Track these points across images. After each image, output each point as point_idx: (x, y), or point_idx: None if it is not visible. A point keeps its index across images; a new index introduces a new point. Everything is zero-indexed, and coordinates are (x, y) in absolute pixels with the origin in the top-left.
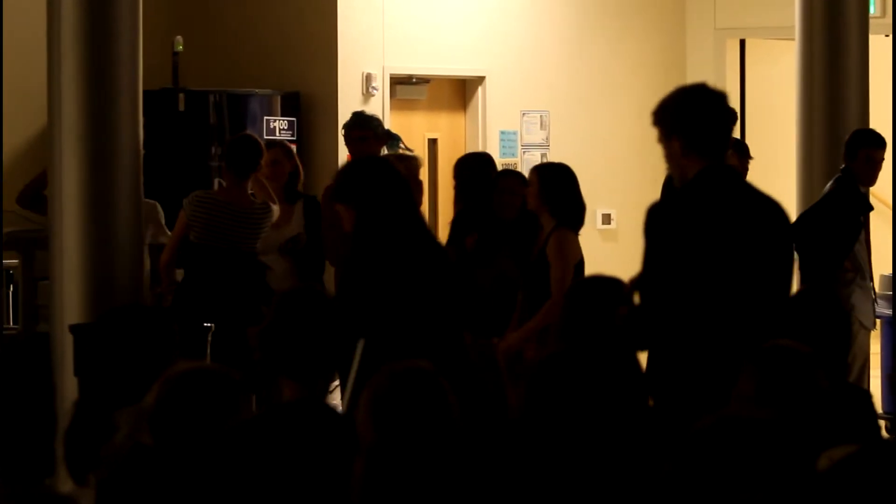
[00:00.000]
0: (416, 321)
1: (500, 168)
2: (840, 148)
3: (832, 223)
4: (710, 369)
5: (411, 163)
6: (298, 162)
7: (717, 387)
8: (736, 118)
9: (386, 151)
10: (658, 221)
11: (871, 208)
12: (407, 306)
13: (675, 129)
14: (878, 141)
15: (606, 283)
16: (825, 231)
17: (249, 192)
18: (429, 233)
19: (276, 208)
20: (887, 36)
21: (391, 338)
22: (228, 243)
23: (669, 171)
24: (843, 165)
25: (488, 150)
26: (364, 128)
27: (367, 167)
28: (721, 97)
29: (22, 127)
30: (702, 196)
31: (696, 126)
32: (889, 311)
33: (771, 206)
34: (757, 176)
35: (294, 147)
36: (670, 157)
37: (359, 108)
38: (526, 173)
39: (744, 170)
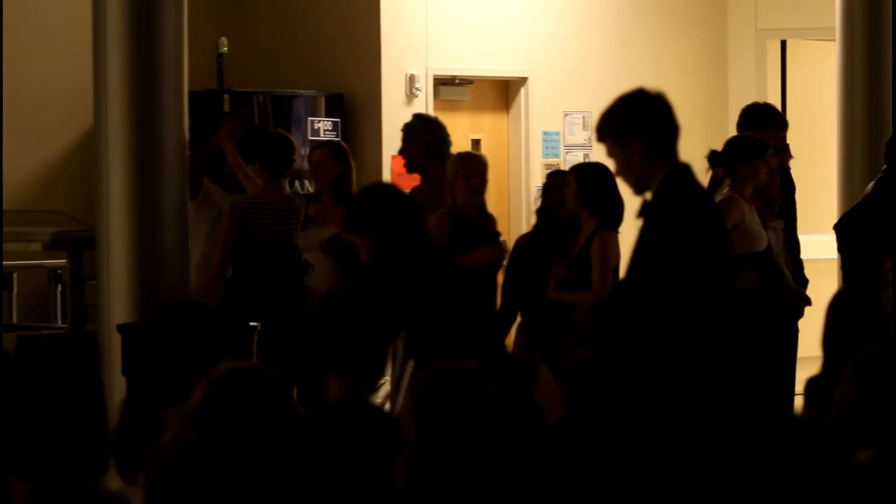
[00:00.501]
0: (454, 333)
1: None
2: (881, 149)
3: (874, 223)
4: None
5: (478, 160)
6: (352, 162)
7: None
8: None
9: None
10: (661, 226)
11: None
12: (441, 320)
13: (636, 134)
14: None
15: None
16: (867, 231)
17: (288, 189)
18: (439, 249)
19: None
20: None
21: (435, 343)
22: (274, 242)
23: (624, 180)
24: (885, 166)
25: (531, 151)
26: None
27: (375, 195)
28: (665, 100)
29: (70, 128)
30: (687, 198)
31: (658, 129)
32: None
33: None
34: (798, 177)
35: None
36: (628, 164)
37: (402, 109)
38: None
39: (784, 151)
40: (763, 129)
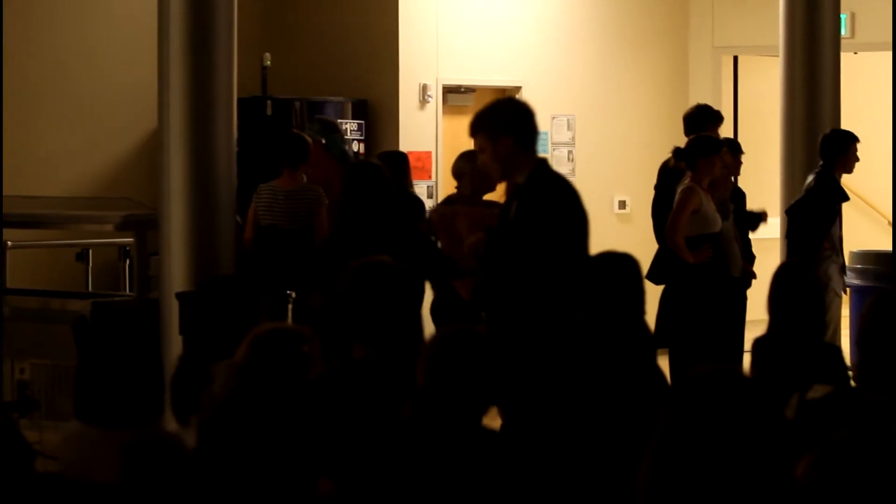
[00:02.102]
0: None
1: None
2: (816, 146)
3: (815, 211)
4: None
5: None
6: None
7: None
8: None
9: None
10: (541, 211)
11: (847, 198)
12: None
13: (507, 131)
14: (855, 137)
15: (619, 258)
16: (809, 218)
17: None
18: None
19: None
20: (855, 53)
21: None
22: (289, 221)
23: (490, 169)
24: (821, 162)
25: None
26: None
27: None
28: (529, 107)
29: (137, 128)
30: (556, 184)
31: (528, 127)
32: (857, 282)
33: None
34: (748, 171)
35: (362, 146)
36: (497, 157)
37: (416, 113)
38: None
39: (737, 165)
40: (707, 126)
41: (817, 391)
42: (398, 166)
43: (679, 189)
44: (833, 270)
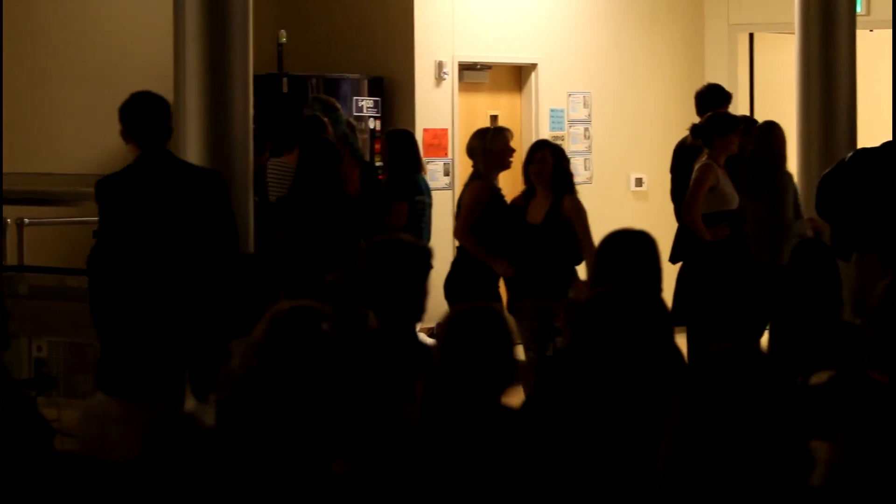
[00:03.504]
0: None
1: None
2: (834, 125)
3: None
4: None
5: (504, 133)
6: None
7: None
8: None
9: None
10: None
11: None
12: None
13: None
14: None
15: (635, 235)
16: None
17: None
18: None
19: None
20: (871, 31)
21: None
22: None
23: None
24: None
25: (540, 125)
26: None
27: None
28: (163, 103)
29: None
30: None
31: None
32: None
33: (206, 176)
34: None
35: (379, 122)
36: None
37: (432, 90)
38: (571, 144)
39: (751, 144)
40: (718, 106)
41: (821, 377)
42: (404, 145)
43: (696, 166)
44: None
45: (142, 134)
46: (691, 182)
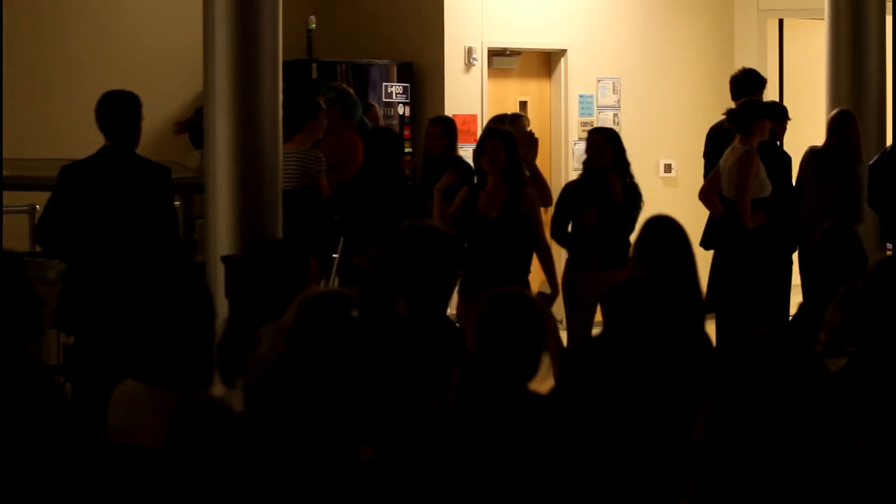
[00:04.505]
0: None
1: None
2: (864, 111)
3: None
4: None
5: (521, 121)
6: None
7: None
8: None
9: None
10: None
11: None
12: None
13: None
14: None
15: (667, 222)
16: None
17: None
18: None
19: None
20: None
21: None
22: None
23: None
24: None
25: (569, 111)
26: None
27: None
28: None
29: (183, 91)
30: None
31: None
32: None
33: (155, 170)
34: (793, 135)
35: (408, 109)
36: None
37: (461, 76)
38: None
39: (782, 130)
40: (754, 91)
41: (836, 364)
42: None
43: (733, 154)
44: None
45: (105, 128)
46: (737, 170)
